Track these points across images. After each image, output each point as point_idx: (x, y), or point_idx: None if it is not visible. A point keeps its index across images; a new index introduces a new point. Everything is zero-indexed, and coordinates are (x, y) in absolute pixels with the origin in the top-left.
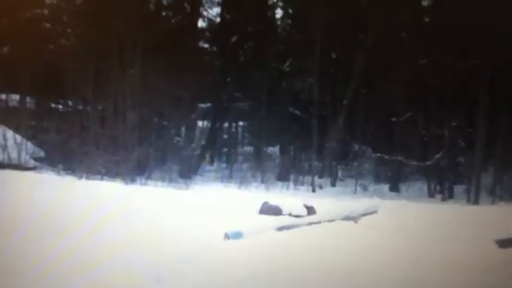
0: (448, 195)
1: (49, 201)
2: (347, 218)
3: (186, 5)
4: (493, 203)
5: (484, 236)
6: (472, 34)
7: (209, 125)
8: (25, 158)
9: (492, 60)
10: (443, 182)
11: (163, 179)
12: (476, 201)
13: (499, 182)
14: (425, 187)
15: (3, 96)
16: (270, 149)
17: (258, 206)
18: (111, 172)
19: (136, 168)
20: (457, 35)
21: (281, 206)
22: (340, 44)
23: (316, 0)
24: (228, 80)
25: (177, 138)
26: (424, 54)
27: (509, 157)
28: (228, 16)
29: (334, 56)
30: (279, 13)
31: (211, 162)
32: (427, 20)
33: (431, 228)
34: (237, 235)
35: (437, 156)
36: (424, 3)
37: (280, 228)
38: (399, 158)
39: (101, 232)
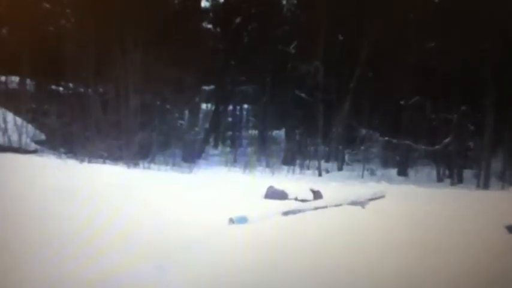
0: (457, 180)
1: (52, 185)
2: (354, 203)
3: None
4: (503, 188)
5: (494, 221)
6: (482, 17)
7: (213, 108)
8: (26, 141)
9: (501, 43)
10: (452, 167)
11: (166, 163)
12: (486, 186)
13: (509, 167)
14: (433, 172)
15: (3, 78)
16: (275, 133)
17: (263, 191)
18: (113, 156)
19: (138, 153)
20: (467, 18)
21: (287, 191)
22: (346, 26)
23: None
24: (232, 62)
25: (180, 122)
26: (432, 38)
27: None
28: None
29: (340, 38)
30: None
31: (215, 146)
32: (436, 0)
33: (439, 213)
34: (242, 220)
35: (446, 140)
36: None
37: (286, 213)
38: (407, 142)
39: (104, 216)
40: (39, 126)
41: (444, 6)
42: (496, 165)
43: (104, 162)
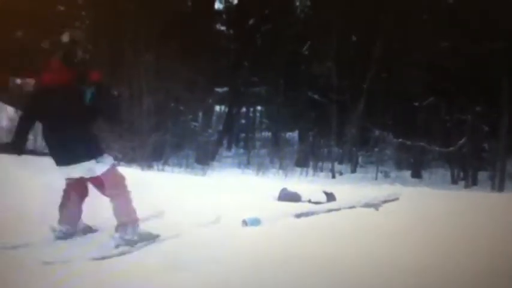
0: (471, 182)
1: None
2: (367, 205)
3: None
4: None
5: (509, 223)
6: (495, 16)
7: (226, 109)
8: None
9: None
10: (466, 169)
11: (180, 165)
12: (501, 189)
13: None
14: (448, 174)
15: (18, 81)
16: (289, 135)
17: (277, 193)
18: (127, 158)
19: (152, 154)
20: (480, 17)
21: (300, 193)
22: (359, 27)
23: None
24: (245, 63)
25: (193, 124)
26: (446, 37)
27: None
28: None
29: (354, 39)
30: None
31: (229, 147)
32: (450, 1)
33: (454, 215)
34: (255, 222)
35: (460, 142)
36: None
37: (299, 215)
38: (421, 143)
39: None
40: None
41: (457, 6)
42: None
43: (118, 164)
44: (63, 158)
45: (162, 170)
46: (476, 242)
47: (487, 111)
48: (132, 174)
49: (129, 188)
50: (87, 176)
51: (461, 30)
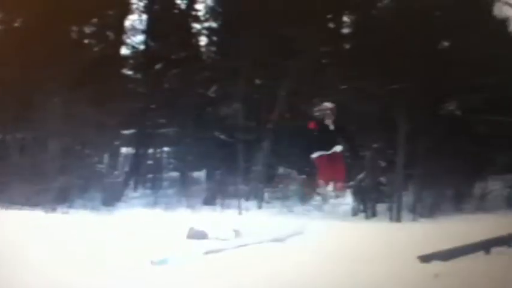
0: (371, 213)
1: None
2: (274, 240)
3: (109, 33)
4: (414, 220)
5: (407, 252)
6: (391, 60)
7: (133, 151)
8: None
9: (411, 85)
10: (366, 202)
11: (85, 207)
12: (398, 219)
13: (418, 200)
14: (349, 206)
15: None
16: (196, 174)
17: (185, 231)
18: (30, 201)
19: (57, 197)
20: (377, 61)
21: (208, 230)
22: (264, 71)
23: (240, 30)
24: (153, 106)
25: (99, 166)
26: (345, 80)
27: (427, 176)
28: (152, 44)
29: (258, 82)
30: (203, 40)
31: (136, 188)
32: (347, 46)
33: (356, 246)
34: (163, 261)
35: (359, 176)
36: (344, 31)
37: (208, 253)
38: None
39: (21, 260)
40: None
41: (356, 51)
42: (407, 198)
43: (21, 208)
44: None
45: (67, 212)
46: (376, 269)
47: (384, 147)
48: (35, 219)
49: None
50: None
51: (359, 73)
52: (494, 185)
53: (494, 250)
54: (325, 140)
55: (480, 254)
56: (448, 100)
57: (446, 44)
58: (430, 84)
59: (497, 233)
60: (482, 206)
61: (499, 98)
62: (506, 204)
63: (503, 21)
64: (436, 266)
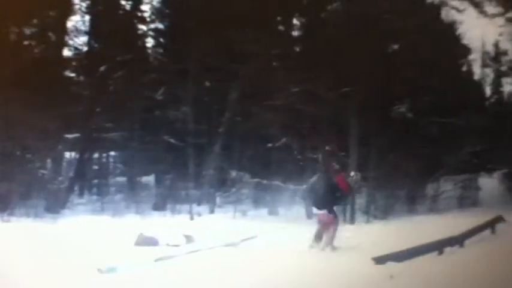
0: None
1: None
2: (227, 245)
3: (50, 34)
4: (367, 222)
5: (361, 253)
6: (342, 63)
7: (77, 156)
8: None
9: (362, 88)
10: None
11: (27, 215)
12: (352, 221)
13: (372, 202)
14: (303, 209)
15: None
16: (145, 179)
17: (134, 238)
18: None
19: None
20: (328, 64)
21: (158, 237)
22: (213, 74)
23: (190, 31)
24: (98, 109)
25: (42, 171)
26: (296, 83)
27: (380, 178)
28: (95, 45)
29: (207, 84)
30: (149, 42)
31: (81, 194)
32: (297, 49)
33: (309, 249)
34: (111, 269)
35: (312, 179)
36: (295, 34)
37: (158, 259)
38: (277, 182)
39: None
40: None
41: (306, 54)
42: (361, 200)
43: None
44: None
45: (8, 221)
46: (331, 271)
47: (337, 150)
48: None
49: None
50: None
51: (310, 75)
52: (446, 186)
53: (447, 250)
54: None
55: (434, 255)
56: (399, 102)
57: (395, 47)
58: (380, 86)
59: (449, 233)
60: (435, 206)
61: (448, 100)
62: (457, 205)
63: (451, 25)
64: (391, 267)
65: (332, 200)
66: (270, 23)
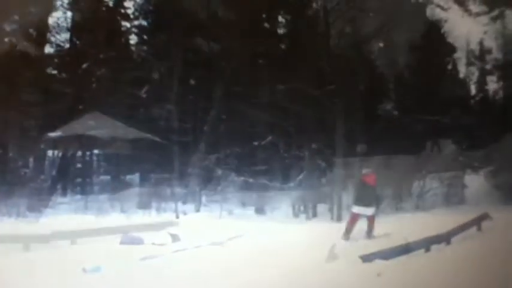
0: (311, 214)
1: None
2: (213, 244)
3: (31, 30)
4: None
5: (349, 252)
6: (327, 61)
7: (60, 154)
8: None
9: (347, 85)
10: (306, 202)
11: (9, 214)
12: (339, 219)
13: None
14: (290, 208)
15: None
16: (129, 177)
17: (119, 237)
18: None
19: None
20: (313, 62)
21: (143, 236)
22: (198, 71)
23: (173, 29)
24: (81, 107)
25: (24, 170)
26: (282, 81)
27: None
28: (78, 42)
29: (192, 82)
30: (133, 39)
31: (64, 193)
32: (283, 47)
33: (297, 247)
34: (97, 269)
35: (299, 177)
36: (280, 31)
37: (144, 259)
38: (263, 180)
39: None
40: None
41: (291, 53)
42: (348, 198)
43: None
44: None
45: None
46: (318, 269)
47: (323, 148)
48: None
49: None
50: None
51: (296, 74)
52: (433, 184)
53: (434, 248)
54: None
55: (420, 252)
56: (384, 100)
57: (381, 45)
58: (365, 84)
59: (436, 231)
60: (421, 204)
61: (434, 99)
62: (444, 203)
63: (436, 23)
64: (378, 265)
65: (375, 197)
66: (255, 20)
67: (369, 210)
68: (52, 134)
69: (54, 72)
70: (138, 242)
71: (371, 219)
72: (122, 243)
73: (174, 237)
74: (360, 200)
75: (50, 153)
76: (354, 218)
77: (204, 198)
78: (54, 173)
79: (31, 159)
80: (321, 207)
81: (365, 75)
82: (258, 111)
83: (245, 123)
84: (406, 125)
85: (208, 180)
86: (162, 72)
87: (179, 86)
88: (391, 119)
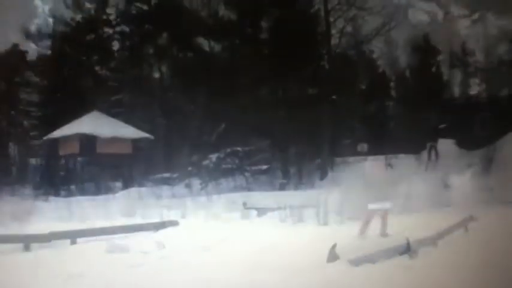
0: (298, 218)
1: None
2: (200, 249)
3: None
4: (341, 223)
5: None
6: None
7: (43, 162)
8: None
9: (330, 88)
10: (293, 207)
11: None
12: (325, 223)
13: (345, 203)
14: (276, 212)
15: None
16: (113, 184)
17: (104, 244)
18: None
19: None
20: (295, 66)
21: (129, 243)
22: (181, 77)
23: (154, 35)
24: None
25: (5, 180)
26: (264, 83)
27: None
28: (60, 48)
29: (175, 86)
30: (115, 45)
31: (48, 200)
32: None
33: (284, 252)
34: (81, 277)
35: (284, 181)
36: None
37: (130, 266)
38: (251, 184)
39: None
40: None
41: (274, 55)
42: (334, 201)
43: None
44: None
45: None
46: (307, 273)
47: (307, 150)
48: None
49: None
50: None
51: (277, 77)
52: (417, 185)
53: (421, 250)
54: None
55: (407, 255)
56: (368, 101)
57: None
58: (349, 87)
59: (423, 232)
60: (408, 205)
61: (418, 100)
62: (430, 204)
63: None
64: (366, 268)
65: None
66: (238, 26)
67: (386, 204)
68: (36, 142)
69: (37, 79)
70: (124, 249)
71: (385, 215)
72: (107, 251)
73: (160, 244)
74: (373, 195)
75: (33, 160)
76: (369, 216)
77: (189, 204)
78: (37, 179)
79: (13, 168)
80: (308, 212)
81: (365, 75)
82: (241, 114)
83: (229, 126)
84: (389, 125)
85: (194, 185)
86: (143, 78)
87: (161, 90)
88: (375, 119)
